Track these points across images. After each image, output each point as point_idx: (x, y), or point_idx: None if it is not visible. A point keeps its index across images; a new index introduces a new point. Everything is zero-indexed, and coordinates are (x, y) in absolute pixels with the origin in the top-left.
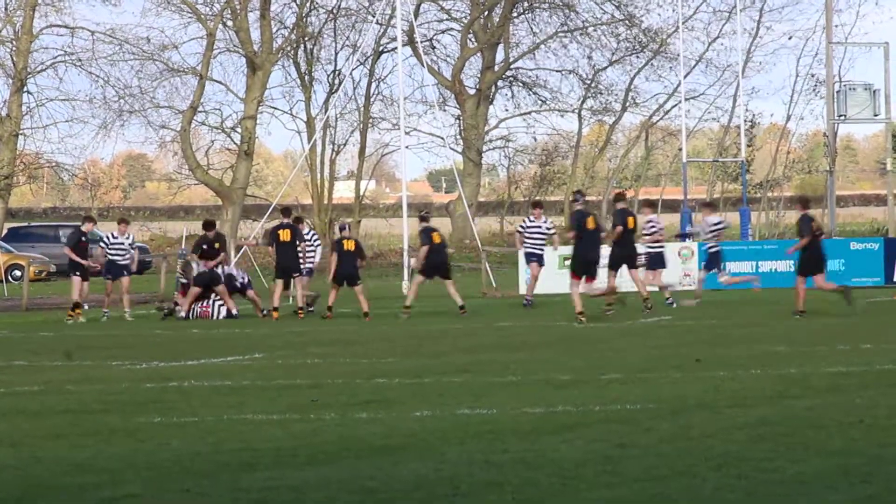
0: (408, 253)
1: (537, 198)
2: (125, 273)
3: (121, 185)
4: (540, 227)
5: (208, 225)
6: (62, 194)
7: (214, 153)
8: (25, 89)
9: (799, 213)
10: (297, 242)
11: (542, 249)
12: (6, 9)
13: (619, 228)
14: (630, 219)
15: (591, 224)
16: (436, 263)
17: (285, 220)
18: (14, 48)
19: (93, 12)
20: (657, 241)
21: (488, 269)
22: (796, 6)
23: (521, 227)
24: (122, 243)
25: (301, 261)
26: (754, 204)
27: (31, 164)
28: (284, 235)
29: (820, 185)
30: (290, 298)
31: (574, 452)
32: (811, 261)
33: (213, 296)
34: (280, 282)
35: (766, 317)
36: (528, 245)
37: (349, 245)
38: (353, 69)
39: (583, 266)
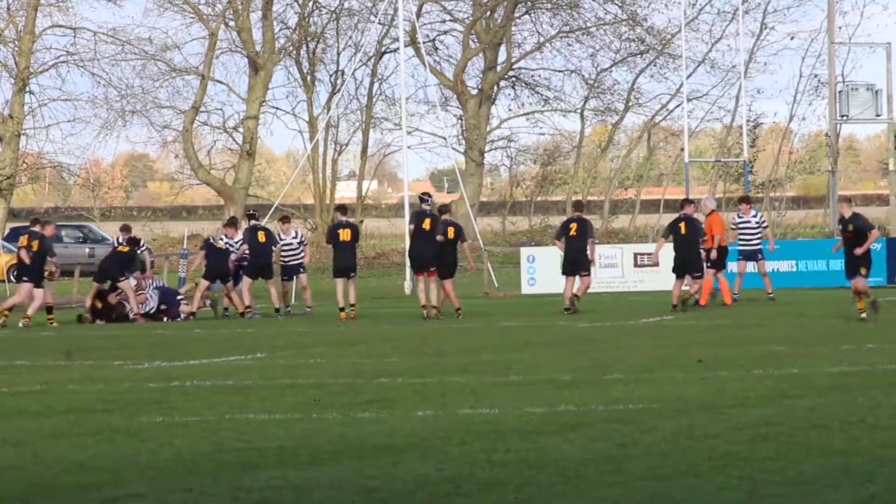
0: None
1: (747, 193)
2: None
3: (123, 185)
4: (749, 221)
5: (34, 222)
6: (64, 194)
7: (216, 153)
8: (28, 89)
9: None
10: (357, 242)
11: (754, 245)
12: (8, 9)
13: (411, 227)
14: (427, 220)
15: (426, 224)
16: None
17: (344, 219)
18: (16, 48)
19: (95, 13)
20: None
21: (490, 269)
22: (800, 7)
23: (733, 224)
24: (235, 244)
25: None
26: (756, 204)
27: (33, 165)
28: (344, 235)
29: (822, 185)
30: (294, 297)
31: (576, 452)
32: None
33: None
34: (340, 281)
35: (768, 317)
36: (741, 241)
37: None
38: (355, 69)
39: (417, 263)
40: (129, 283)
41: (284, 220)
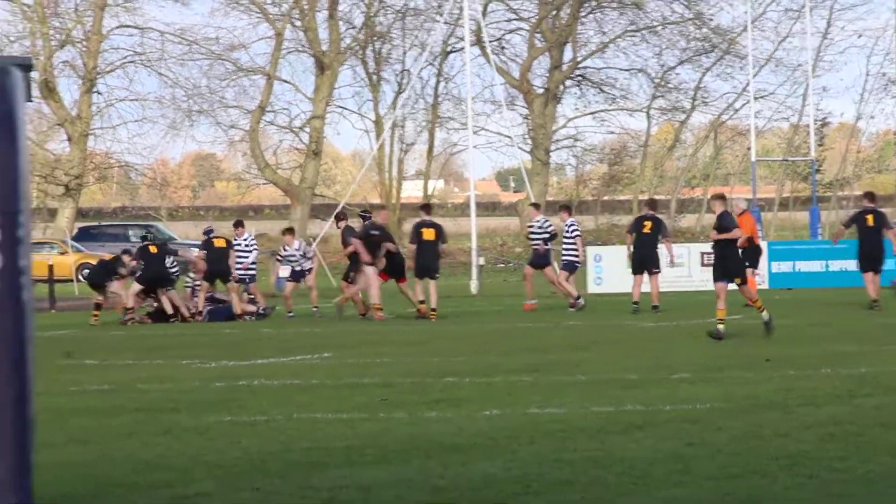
0: (476, 252)
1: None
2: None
3: (190, 184)
4: None
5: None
6: (131, 194)
7: (283, 153)
8: (95, 89)
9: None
10: (441, 242)
11: None
12: (76, 9)
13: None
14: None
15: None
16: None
17: (427, 218)
18: (84, 49)
19: (162, 13)
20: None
21: (556, 268)
22: (867, 5)
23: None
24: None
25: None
26: (824, 203)
27: (100, 164)
28: (427, 234)
29: (890, 183)
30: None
31: (643, 451)
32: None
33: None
34: (420, 281)
35: (836, 316)
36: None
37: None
38: (421, 69)
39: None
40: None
41: (238, 224)
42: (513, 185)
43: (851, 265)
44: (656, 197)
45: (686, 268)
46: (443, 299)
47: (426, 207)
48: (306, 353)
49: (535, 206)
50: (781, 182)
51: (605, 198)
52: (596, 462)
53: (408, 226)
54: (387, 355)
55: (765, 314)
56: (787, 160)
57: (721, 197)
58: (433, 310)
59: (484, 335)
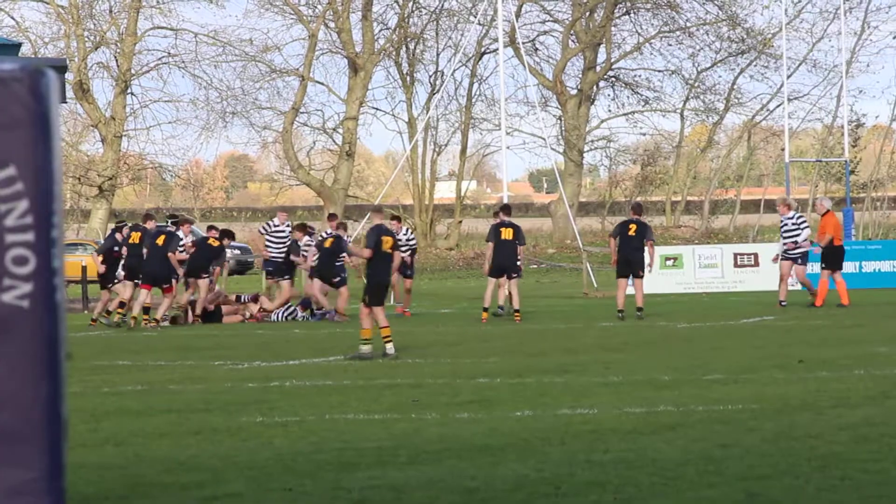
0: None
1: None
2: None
3: (223, 185)
4: None
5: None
6: (165, 195)
7: (316, 154)
8: (129, 91)
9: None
10: (519, 243)
11: None
12: (111, 11)
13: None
14: (213, 240)
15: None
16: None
17: (506, 219)
18: (118, 50)
19: (196, 14)
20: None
21: (589, 269)
22: None
23: None
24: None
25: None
26: (857, 204)
27: (134, 165)
28: (506, 234)
29: None
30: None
31: (675, 452)
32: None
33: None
34: (493, 280)
35: (869, 318)
36: None
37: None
38: (454, 70)
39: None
40: (205, 282)
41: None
42: (546, 185)
43: (885, 266)
44: (686, 198)
45: (719, 269)
46: (473, 300)
47: (506, 209)
48: (338, 353)
49: (303, 226)
50: (815, 183)
51: (638, 199)
52: (627, 463)
53: (441, 227)
54: (419, 356)
55: (389, 347)
56: (820, 161)
57: (378, 210)
58: (517, 311)
59: (516, 336)
